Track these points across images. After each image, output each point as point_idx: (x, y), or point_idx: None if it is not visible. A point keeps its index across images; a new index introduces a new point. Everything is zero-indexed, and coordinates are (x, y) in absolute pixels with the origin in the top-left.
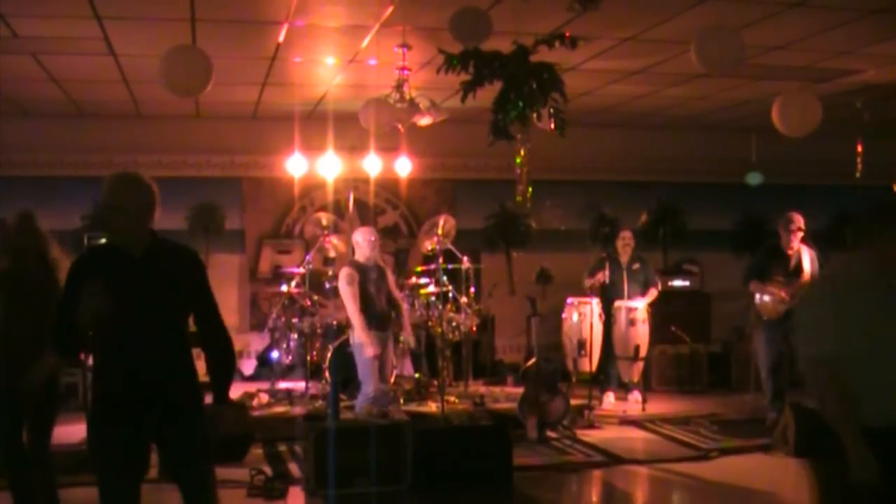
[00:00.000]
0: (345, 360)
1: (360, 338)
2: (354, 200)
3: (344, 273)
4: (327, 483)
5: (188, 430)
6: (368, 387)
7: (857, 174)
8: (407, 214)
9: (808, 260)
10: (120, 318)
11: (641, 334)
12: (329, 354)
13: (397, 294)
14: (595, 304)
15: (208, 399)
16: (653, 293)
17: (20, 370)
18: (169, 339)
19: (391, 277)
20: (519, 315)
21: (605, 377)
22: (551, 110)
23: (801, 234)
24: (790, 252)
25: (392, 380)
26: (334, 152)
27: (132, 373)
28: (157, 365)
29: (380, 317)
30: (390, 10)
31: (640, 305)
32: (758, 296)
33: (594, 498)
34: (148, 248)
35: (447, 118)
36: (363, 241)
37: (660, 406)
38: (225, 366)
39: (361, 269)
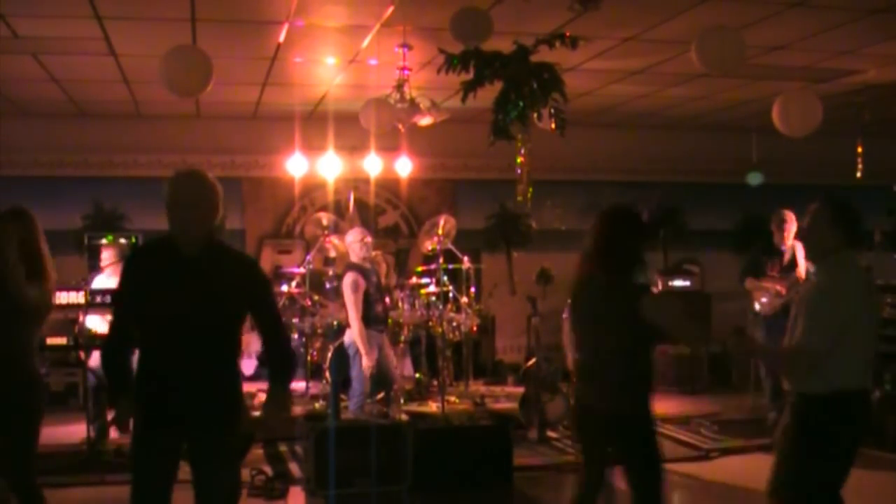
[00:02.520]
0: (345, 361)
1: (359, 347)
2: (355, 200)
3: (349, 279)
4: (327, 483)
5: (217, 440)
6: (359, 387)
7: (858, 174)
8: (407, 214)
9: (802, 256)
10: (165, 319)
11: None
12: (329, 354)
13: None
14: None
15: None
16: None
17: None
18: (213, 345)
19: (391, 276)
20: (519, 315)
21: None
22: (552, 110)
23: (793, 231)
24: (784, 248)
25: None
26: (335, 152)
27: (172, 375)
28: (198, 370)
29: (379, 317)
30: (391, 10)
31: None
32: (754, 292)
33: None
34: (203, 249)
35: (448, 118)
36: (356, 243)
37: (660, 406)
38: (282, 373)
39: (365, 274)
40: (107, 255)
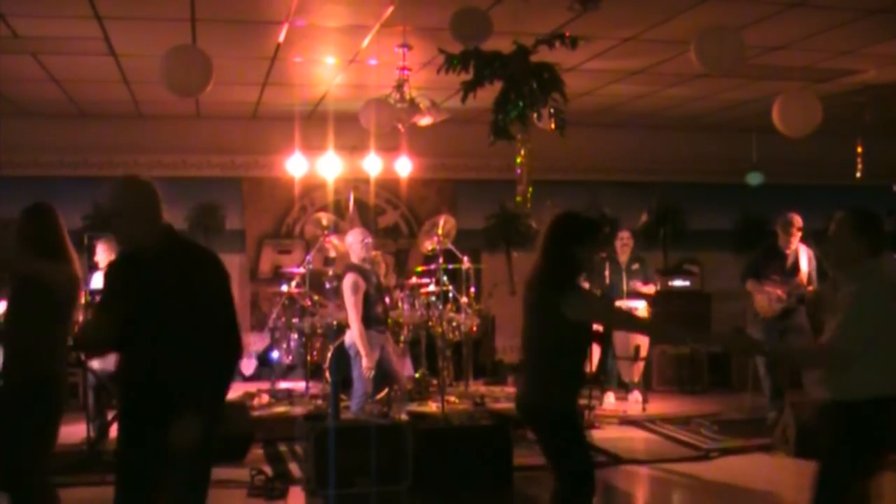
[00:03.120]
0: (344, 360)
1: (360, 348)
2: (355, 200)
3: (350, 280)
4: (327, 483)
5: (184, 437)
6: (361, 387)
7: (858, 174)
8: (407, 214)
9: (805, 259)
10: (134, 322)
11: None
12: (329, 354)
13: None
14: None
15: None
16: (650, 287)
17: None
18: (183, 342)
19: (390, 276)
20: (519, 315)
21: (605, 377)
22: (552, 110)
23: (799, 236)
24: (787, 252)
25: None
26: (334, 152)
27: (144, 376)
28: (168, 369)
29: (379, 318)
30: (391, 10)
31: (640, 305)
32: (755, 294)
33: (594, 498)
34: (161, 250)
35: (447, 118)
36: (356, 244)
37: (660, 406)
38: (208, 391)
39: (365, 275)
40: (101, 250)
